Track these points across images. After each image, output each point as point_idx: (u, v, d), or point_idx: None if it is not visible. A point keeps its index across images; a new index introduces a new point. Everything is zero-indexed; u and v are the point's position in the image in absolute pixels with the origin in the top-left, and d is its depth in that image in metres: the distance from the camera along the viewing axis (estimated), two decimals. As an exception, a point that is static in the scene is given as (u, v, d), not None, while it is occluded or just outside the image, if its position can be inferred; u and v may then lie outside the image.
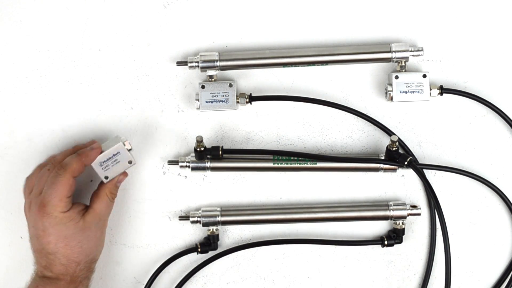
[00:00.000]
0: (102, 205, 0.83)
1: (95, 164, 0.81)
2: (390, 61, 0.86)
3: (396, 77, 0.85)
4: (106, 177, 0.83)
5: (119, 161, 0.83)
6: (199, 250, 0.89)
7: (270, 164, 0.87)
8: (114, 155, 0.82)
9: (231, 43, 0.88)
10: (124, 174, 0.84)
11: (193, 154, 0.87)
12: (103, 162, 0.82)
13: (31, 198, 0.82)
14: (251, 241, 0.91)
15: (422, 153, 0.90)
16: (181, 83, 0.89)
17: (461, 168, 0.90)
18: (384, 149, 0.87)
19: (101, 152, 0.82)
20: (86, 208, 0.83)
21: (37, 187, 0.81)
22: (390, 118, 0.90)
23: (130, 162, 0.83)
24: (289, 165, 0.87)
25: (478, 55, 0.89)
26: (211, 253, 0.90)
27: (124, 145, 0.82)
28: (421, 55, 0.86)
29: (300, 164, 0.87)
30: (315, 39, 0.88)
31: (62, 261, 0.79)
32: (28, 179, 0.85)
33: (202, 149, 0.85)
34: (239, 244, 0.91)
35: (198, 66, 0.85)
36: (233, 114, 0.90)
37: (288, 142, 0.90)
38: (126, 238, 0.92)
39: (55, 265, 0.79)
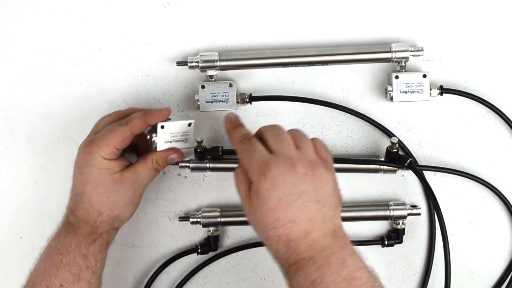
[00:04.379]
0: (144, 168, 0.80)
1: (160, 125, 0.78)
2: (390, 61, 0.86)
3: (396, 77, 0.85)
4: (163, 145, 0.80)
5: (181, 140, 0.81)
6: (199, 251, 0.89)
7: (270, 164, 0.87)
8: (182, 131, 0.80)
9: (231, 43, 0.88)
10: (179, 154, 0.82)
11: (193, 154, 0.87)
12: (168, 130, 0.79)
13: (89, 136, 0.80)
14: (251, 241, 0.91)
15: (422, 153, 0.90)
16: (181, 83, 0.89)
17: (461, 168, 0.90)
18: (384, 149, 0.87)
19: (168, 119, 0.79)
20: (131, 165, 0.81)
21: (95, 128, 0.81)
22: (390, 118, 0.90)
23: (188, 143, 0.81)
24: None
25: (478, 55, 0.89)
26: (211, 254, 0.90)
27: (190, 125, 0.80)
28: (421, 55, 0.86)
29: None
30: (315, 39, 0.88)
31: (86, 205, 0.77)
32: (98, 121, 0.83)
33: (202, 149, 0.85)
34: (239, 244, 0.91)
35: (198, 66, 0.85)
36: (233, 114, 0.90)
37: (288, 142, 0.90)
38: (126, 238, 0.92)
39: (78, 209, 0.78)
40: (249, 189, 0.69)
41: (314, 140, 0.73)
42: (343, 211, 0.88)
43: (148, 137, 0.81)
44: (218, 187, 0.91)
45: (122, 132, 0.77)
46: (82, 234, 0.78)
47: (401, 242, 0.90)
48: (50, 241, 0.79)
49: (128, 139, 0.78)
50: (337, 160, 0.88)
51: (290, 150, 0.69)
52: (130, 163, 0.81)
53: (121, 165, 0.79)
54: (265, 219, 0.66)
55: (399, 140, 0.87)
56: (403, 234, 0.89)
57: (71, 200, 0.80)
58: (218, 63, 0.85)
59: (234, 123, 0.76)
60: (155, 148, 0.80)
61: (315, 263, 0.65)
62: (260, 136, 0.72)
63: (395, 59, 0.85)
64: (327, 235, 0.66)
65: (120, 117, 0.81)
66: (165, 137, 0.80)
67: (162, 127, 0.79)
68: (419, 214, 0.89)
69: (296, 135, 0.72)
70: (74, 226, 0.78)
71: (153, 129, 0.80)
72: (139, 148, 0.84)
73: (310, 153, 0.70)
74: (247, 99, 0.87)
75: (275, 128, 0.73)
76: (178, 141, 0.81)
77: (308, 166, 0.68)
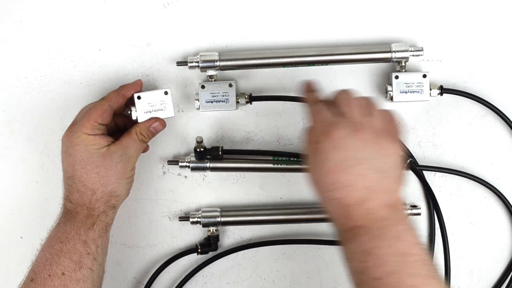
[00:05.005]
0: (130, 140, 0.81)
1: (137, 96, 0.82)
2: (390, 61, 0.86)
3: (396, 77, 0.85)
4: (143, 116, 0.82)
5: (160, 109, 0.83)
6: (199, 251, 0.89)
7: (270, 165, 0.87)
8: (159, 99, 0.83)
9: (231, 43, 0.88)
10: (161, 122, 0.83)
11: (193, 154, 0.87)
12: (145, 100, 0.82)
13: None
14: (251, 241, 0.91)
15: (422, 153, 0.90)
16: (181, 83, 0.89)
17: (461, 168, 0.90)
18: (384, 149, 0.87)
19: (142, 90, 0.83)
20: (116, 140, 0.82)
21: (76, 117, 0.82)
22: (390, 118, 0.90)
23: (168, 111, 0.83)
24: (289, 166, 0.87)
25: (478, 55, 0.89)
26: (211, 254, 0.90)
27: (167, 93, 0.82)
28: (421, 55, 0.86)
29: (300, 165, 0.87)
30: (315, 39, 0.88)
31: (78, 186, 0.78)
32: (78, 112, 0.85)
33: (202, 149, 0.85)
34: (239, 245, 0.91)
35: (198, 66, 0.85)
36: (233, 114, 0.90)
37: (288, 142, 0.90)
38: (126, 238, 0.92)
39: (72, 192, 0.78)
40: (313, 150, 0.69)
41: (384, 111, 0.72)
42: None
43: (129, 112, 0.83)
44: (218, 187, 0.91)
45: (100, 106, 0.80)
46: (80, 219, 0.78)
47: (401, 242, 0.90)
48: (51, 231, 0.79)
49: (108, 112, 0.80)
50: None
51: (357, 115, 0.69)
52: (115, 140, 0.82)
53: (106, 140, 0.80)
54: (324, 180, 0.66)
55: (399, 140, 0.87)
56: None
57: (64, 188, 0.80)
58: (218, 63, 0.85)
59: (310, 87, 0.77)
60: (136, 120, 0.82)
61: (369, 233, 0.64)
62: (333, 100, 0.73)
63: (395, 59, 0.85)
64: (385, 206, 0.65)
65: None
66: (144, 107, 0.82)
67: (139, 97, 0.82)
68: (419, 214, 0.89)
69: (367, 103, 0.72)
70: (72, 212, 0.78)
71: (132, 103, 0.83)
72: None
73: (377, 122, 0.69)
74: (247, 99, 0.87)
75: (347, 93, 0.73)
76: (157, 110, 0.83)
77: (372, 134, 0.67)
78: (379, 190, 0.65)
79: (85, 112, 0.80)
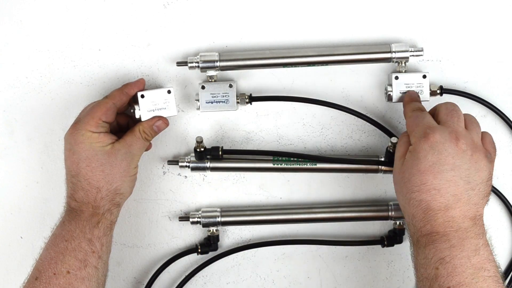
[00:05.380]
0: (133, 138, 0.81)
1: (140, 94, 0.82)
2: (390, 61, 0.86)
3: (396, 78, 0.85)
4: (147, 115, 0.83)
5: (163, 108, 0.83)
6: (199, 251, 0.89)
7: (270, 165, 0.87)
8: (163, 98, 0.83)
9: (231, 43, 0.88)
10: (164, 120, 0.84)
11: (193, 154, 0.87)
12: (148, 99, 0.82)
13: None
14: (251, 242, 0.91)
15: (422, 153, 0.90)
16: (181, 83, 0.89)
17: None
18: (384, 149, 0.87)
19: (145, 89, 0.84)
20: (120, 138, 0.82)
21: (79, 115, 0.82)
22: (390, 118, 0.90)
23: (171, 110, 0.84)
24: (289, 166, 0.87)
25: (478, 55, 0.89)
26: (211, 254, 0.90)
27: (170, 92, 0.83)
28: (421, 55, 0.86)
29: (300, 165, 0.87)
30: (315, 39, 0.88)
31: (83, 184, 0.78)
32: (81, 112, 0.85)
33: (202, 149, 0.85)
34: (239, 245, 0.91)
35: (198, 66, 0.85)
36: (233, 114, 0.90)
37: (288, 142, 0.90)
38: (126, 238, 0.92)
39: (77, 191, 0.78)
40: (406, 151, 0.71)
41: (486, 132, 0.75)
42: (343, 211, 0.89)
43: (132, 110, 0.83)
44: (218, 187, 0.91)
45: (104, 104, 0.80)
46: (85, 217, 0.78)
47: (401, 242, 0.90)
48: (54, 229, 0.79)
49: (111, 110, 0.80)
50: (337, 160, 0.88)
51: (458, 126, 0.71)
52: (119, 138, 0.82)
53: (111, 138, 0.80)
54: (413, 179, 0.67)
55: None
56: (403, 234, 0.89)
57: (68, 187, 0.80)
58: (218, 63, 0.85)
59: (412, 98, 0.80)
60: (140, 118, 0.83)
61: (448, 241, 0.64)
62: (434, 111, 0.75)
63: (395, 59, 0.85)
64: (467, 217, 0.66)
65: None
66: (147, 106, 0.83)
67: (142, 96, 0.83)
68: (419, 214, 0.89)
69: (469, 118, 0.74)
70: (77, 210, 0.78)
71: (135, 102, 0.83)
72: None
73: (477, 138, 0.71)
74: (247, 99, 0.87)
75: (451, 105, 0.75)
76: (160, 109, 0.83)
77: (470, 146, 0.69)
78: (464, 200, 0.66)
79: (89, 110, 0.80)
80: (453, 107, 0.75)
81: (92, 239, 0.77)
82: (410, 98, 0.81)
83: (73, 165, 0.79)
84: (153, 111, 0.83)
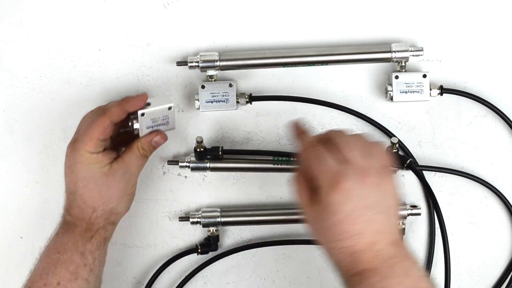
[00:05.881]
0: (132, 156, 0.80)
1: (141, 113, 0.78)
2: (390, 61, 0.86)
3: (396, 77, 0.85)
4: (145, 131, 0.80)
5: (163, 124, 0.81)
6: (199, 251, 0.89)
7: (270, 165, 0.87)
8: (163, 115, 0.80)
9: (231, 43, 0.88)
10: (162, 136, 0.81)
11: (193, 154, 0.87)
12: (149, 117, 0.79)
13: (74, 135, 0.80)
14: (251, 242, 0.91)
15: (422, 153, 0.90)
16: (181, 83, 0.89)
17: (461, 168, 0.90)
18: (384, 149, 0.87)
19: (148, 104, 0.79)
20: (118, 157, 0.80)
21: (79, 126, 0.81)
22: (390, 118, 0.90)
23: (170, 125, 0.81)
24: (289, 166, 0.87)
25: (478, 55, 0.89)
26: (211, 254, 0.90)
27: (170, 108, 0.80)
28: (421, 55, 0.86)
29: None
30: (315, 39, 0.88)
31: (79, 203, 0.78)
32: (82, 118, 0.82)
33: (202, 149, 0.85)
34: (239, 245, 0.91)
35: (198, 66, 0.85)
36: (233, 114, 0.90)
37: (288, 142, 0.90)
38: (126, 238, 0.92)
39: (73, 207, 0.78)
40: (313, 197, 0.67)
41: (378, 145, 0.71)
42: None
43: (130, 124, 0.80)
44: (218, 187, 0.91)
45: (102, 122, 0.77)
46: (78, 232, 0.78)
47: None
48: (49, 241, 0.79)
49: (109, 128, 0.78)
50: (337, 160, 0.88)
51: (361, 160, 0.67)
52: (118, 155, 0.81)
53: (109, 157, 0.79)
54: (332, 230, 0.65)
55: (399, 140, 0.87)
56: (403, 234, 0.89)
57: (66, 200, 0.80)
58: (218, 63, 0.85)
59: (300, 129, 0.74)
60: (138, 134, 0.80)
61: (378, 274, 0.64)
62: (327, 141, 0.70)
63: (395, 59, 0.85)
64: (391, 245, 0.65)
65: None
66: (147, 123, 0.80)
67: (143, 114, 0.79)
68: (419, 214, 0.89)
69: (365, 142, 0.70)
70: (70, 224, 0.78)
71: (135, 117, 0.79)
72: (126, 140, 0.83)
73: (377, 162, 0.68)
74: (247, 99, 0.87)
75: (343, 134, 0.70)
76: (159, 125, 0.81)
77: (376, 176, 0.66)
78: (385, 231, 0.65)
79: (87, 128, 0.78)
80: (346, 137, 0.70)
81: (84, 252, 0.77)
82: (299, 130, 0.75)
83: (71, 183, 0.78)
84: (152, 127, 0.80)
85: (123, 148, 0.82)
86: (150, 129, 0.80)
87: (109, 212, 0.79)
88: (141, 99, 0.79)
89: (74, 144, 0.78)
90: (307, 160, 0.69)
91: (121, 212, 0.81)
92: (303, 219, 0.69)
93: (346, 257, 0.65)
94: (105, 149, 0.79)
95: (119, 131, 0.82)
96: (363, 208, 0.65)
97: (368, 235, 0.64)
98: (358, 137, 0.70)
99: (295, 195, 0.69)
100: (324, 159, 0.67)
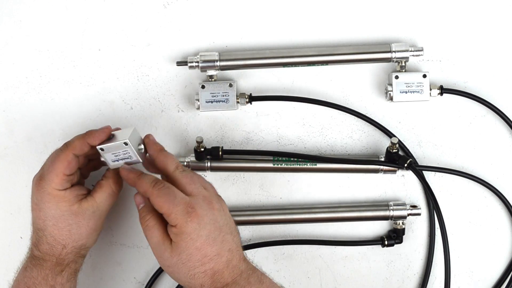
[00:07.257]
0: (103, 195, 0.79)
1: (99, 148, 0.76)
2: (390, 61, 0.86)
3: (396, 77, 0.85)
4: (112, 165, 0.79)
5: (126, 158, 0.78)
6: (199, 250, 0.90)
7: (270, 165, 0.87)
8: (121, 150, 0.77)
9: (231, 43, 0.88)
10: (130, 171, 0.78)
11: (193, 154, 0.87)
12: (108, 151, 0.77)
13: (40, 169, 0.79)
14: (251, 242, 0.91)
15: (422, 153, 0.90)
16: (181, 83, 0.89)
17: (461, 168, 0.90)
18: (384, 149, 0.87)
19: (111, 136, 0.78)
20: (88, 194, 0.79)
21: (45, 161, 0.79)
22: (390, 118, 0.90)
23: (135, 159, 0.78)
24: (289, 166, 0.87)
25: (478, 55, 0.89)
26: (211, 253, 0.90)
27: (126, 144, 0.76)
28: (421, 55, 0.86)
29: (300, 165, 0.87)
30: (315, 39, 0.88)
31: (49, 240, 0.77)
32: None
33: (202, 149, 0.85)
34: (239, 244, 0.91)
35: (198, 66, 0.86)
36: (233, 114, 0.90)
37: (288, 142, 0.90)
38: (126, 238, 0.92)
39: (42, 243, 0.77)
40: (166, 234, 0.72)
41: (200, 177, 0.78)
42: (343, 211, 0.89)
43: (100, 156, 0.79)
44: (218, 187, 0.91)
45: (65, 157, 0.76)
46: (48, 266, 0.77)
47: (401, 242, 0.90)
48: (17, 275, 0.79)
49: (73, 162, 0.76)
50: (337, 160, 0.88)
51: (202, 190, 0.75)
52: (88, 190, 0.80)
53: (78, 195, 0.78)
54: (193, 257, 0.71)
55: (399, 140, 0.87)
56: (403, 234, 0.89)
57: (33, 234, 0.79)
58: (218, 63, 0.85)
59: (136, 173, 0.77)
60: (109, 169, 0.80)
61: (238, 285, 0.72)
62: (169, 178, 0.76)
63: (395, 59, 0.86)
64: (241, 260, 0.74)
65: None
66: (110, 157, 0.78)
67: (102, 149, 0.77)
68: (419, 214, 0.89)
69: (194, 175, 0.78)
70: (39, 259, 0.78)
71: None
72: (96, 165, 0.84)
73: (212, 190, 0.78)
74: (247, 99, 0.87)
75: (184, 170, 0.77)
76: (123, 159, 0.78)
77: (218, 202, 0.75)
78: (235, 248, 0.74)
79: (51, 164, 0.76)
80: (186, 172, 0.76)
81: (55, 285, 0.77)
82: (134, 174, 0.76)
83: (39, 220, 0.77)
84: (118, 161, 0.78)
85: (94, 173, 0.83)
86: (116, 163, 0.79)
87: (79, 248, 0.79)
88: (104, 132, 0.77)
89: (40, 182, 0.76)
90: (158, 198, 0.72)
91: (91, 246, 0.82)
92: (159, 261, 0.74)
93: (209, 279, 0.72)
94: (72, 185, 0.78)
95: (87, 163, 0.82)
96: (216, 230, 0.72)
97: (225, 254, 0.73)
98: (188, 172, 0.77)
99: (148, 238, 0.74)
100: (174, 194, 0.72)
